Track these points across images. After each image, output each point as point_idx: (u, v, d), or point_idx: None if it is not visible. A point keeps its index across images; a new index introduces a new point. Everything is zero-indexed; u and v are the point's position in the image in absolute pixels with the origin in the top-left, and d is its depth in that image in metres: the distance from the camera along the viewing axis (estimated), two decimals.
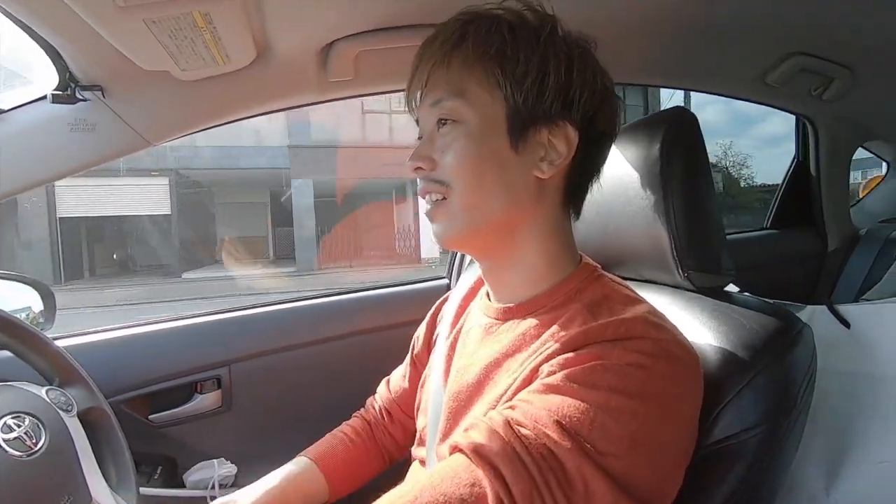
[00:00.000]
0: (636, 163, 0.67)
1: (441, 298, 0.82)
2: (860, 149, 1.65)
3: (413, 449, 0.71)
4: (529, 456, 0.43)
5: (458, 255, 1.33)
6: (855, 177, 1.97)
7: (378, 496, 0.48)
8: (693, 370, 0.49)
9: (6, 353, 0.76)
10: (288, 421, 1.17)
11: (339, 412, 0.89)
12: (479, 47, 0.54)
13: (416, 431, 0.71)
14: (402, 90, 0.64)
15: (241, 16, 0.66)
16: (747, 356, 0.53)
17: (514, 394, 0.50)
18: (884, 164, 1.85)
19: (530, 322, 0.56)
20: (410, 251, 12.43)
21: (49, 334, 0.96)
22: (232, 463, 1.08)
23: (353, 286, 1.36)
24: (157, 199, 10.43)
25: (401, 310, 1.27)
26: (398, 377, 0.85)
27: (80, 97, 0.79)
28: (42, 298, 1.03)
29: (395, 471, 0.75)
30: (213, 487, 1.03)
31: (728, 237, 0.67)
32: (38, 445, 0.64)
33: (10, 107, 0.80)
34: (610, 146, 0.61)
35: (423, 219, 0.61)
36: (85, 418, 0.74)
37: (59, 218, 9.77)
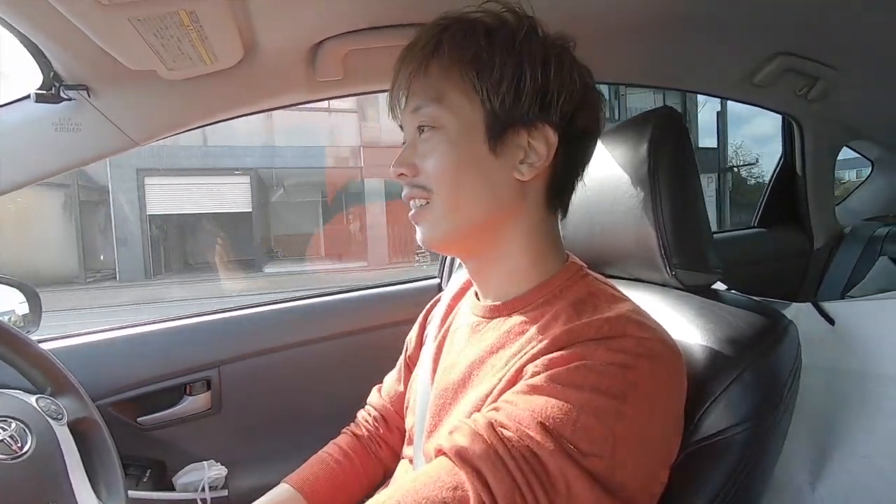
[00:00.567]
0: (624, 162, 0.68)
1: (432, 300, 0.82)
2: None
3: (403, 448, 0.71)
4: (512, 458, 0.43)
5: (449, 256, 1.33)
6: (850, 176, 1.99)
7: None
8: (677, 368, 0.50)
9: None
10: (278, 422, 1.16)
11: (329, 413, 0.89)
12: (455, 54, 0.55)
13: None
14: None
15: (227, 14, 0.66)
16: (734, 353, 0.54)
17: (500, 394, 0.50)
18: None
19: (516, 320, 0.57)
20: None
21: (35, 336, 0.95)
22: (222, 465, 1.07)
23: (351, 286, 1.35)
24: (238, 197, 10.85)
25: (392, 310, 1.26)
26: (391, 381, 0.84)
27: (65, 96, 0.79)
28: (27, 300, 1.02)
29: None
30: (202, 490, 1.02)
31: (715, 236, 0.68)
32: (24, 450, 0.63)
33: None
34: (593, 144, 0.61)
35: None
36: (75, 428, 0.73)
37: (149, 216, 10.27)
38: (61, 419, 0.71)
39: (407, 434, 0.70)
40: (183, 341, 1.12)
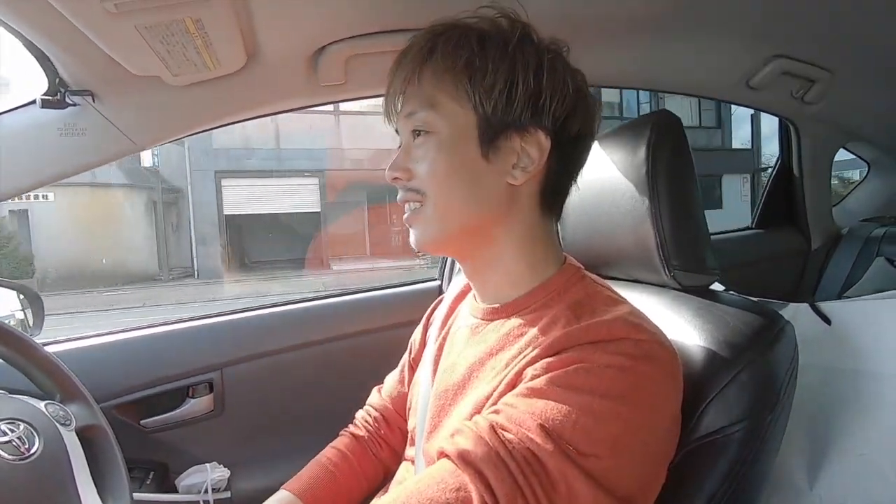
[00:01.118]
0: (622, 165, 0.69)
1: (435, 301, 0.83)
2: None
3: (405, 449, 0.72)
4: (513, 460, 0.44)
5: (450, 258, 1.33)
6: (858, 177, 2.00)
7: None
8: (673, 369, 0.51)
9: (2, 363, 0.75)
10: (281, 424, 1.17)
11: (332, 414, 0.89)
12: (448, 60, 0.56)
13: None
14: None
15: (231, 21, 0.66)
16: (731, 353, 0.55)
17: (500, 397, 0.51)
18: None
19: (514, 322, 0.58)
20: None
21: (39, 340, 0.96)
22: (225, 467, 1.08)
23: (353, 288, 1.35)
24: (308, 198, 11.40)
25: (392, 312, 1.27)
26: (392, 382, 0.84)
27: (70, 102, 0.79)
28: (30, 304, 1.02)
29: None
30: (206, 492, 1.03)
31: (713, 237, 0.69)
32: (31, 452, 0.64)
33: None
34: (587, 148, 0.62)
35: None
36: (82, 434, 0.73)
37: (226, 215, 10.80)
38: (69, 425, 0.71)
39: (409, 435, 0.71)
40: (185, 344, 1.13)
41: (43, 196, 9.61)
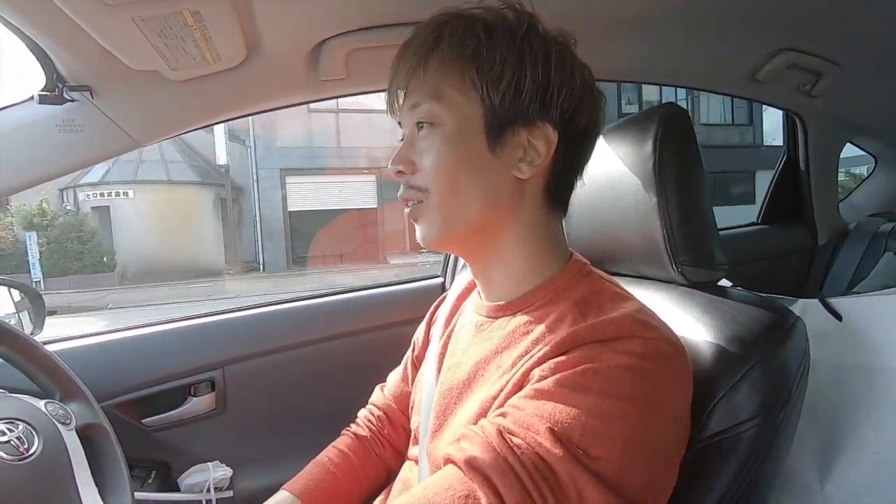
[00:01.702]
0: (629, 159, 0.67)
1: (439, 299, 0.82)
2: None
3: (409, 449, 0.71)
4: (522, 466, 0.43)
5: (453, 254, 1.33)
6: (863, 173, 1.98)
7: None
8: (683, 367, 0.50)
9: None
10: (283, 422, 1.16)
11: (334, 412, 0.89)
12: (455, 50, 0.54)
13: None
14: None
15: (231, 14, 0.66)
16: (741, 350, 0.54)
17: (507, 398, 0.50)
18: None
19: (520, 320, 0.56)
20: None
21: (40, 338, 0.95)
22: (227, 466, 1.07)
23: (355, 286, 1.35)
24: (366, 195, 12.03)
25: (395, 309, 1.26)
26: (395, 380, 0.83)
27: (69, 98, 0.78)
28: (31, 302, 1.02)
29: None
30: (208, 491, 1.02)
31: (720, 232, 0.68)
32: (30, 452, 0.63)
33: None
34: (593, 142, 0.60)
35: None
36: (83, 433, 0.72)
37: (290, 212, 11.50)
38: (69, 424, 0.71)
39: (412, 434, 0.70)
40: (187, 342, 1.12)
41: (124, 193, 10.35)
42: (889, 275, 1.39)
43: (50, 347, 0.79)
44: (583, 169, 0.61)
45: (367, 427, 0.81)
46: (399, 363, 0.85)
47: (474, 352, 0.59)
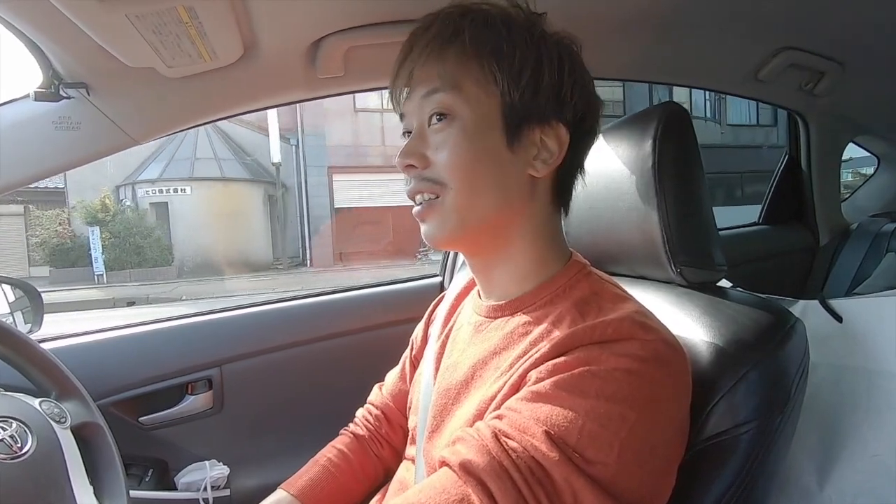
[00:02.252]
0: (628, 158, 0.67)
1: (437, 298, 0.81)
2: None
3: (406, 449, 0.71)
4: (517, 470, 0.43)
5: (452, 253, 1.32)
6: (869, 173, 1.97)
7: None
8: (682, 369, 0.49)
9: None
10: (280, 421, 1.16)
11: (331, 411, 0.88)
12: (475, 42, 0.53)
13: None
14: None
15: (226, 11, 0.65)
16: (740, 351, 0.53)
17: (503, 400, 0.49)
18: None
19: (519, 320, 0.56)
20: None
21: (37, 336, 0.95)
22: (224, 464, 1.07)
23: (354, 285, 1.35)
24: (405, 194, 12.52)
25: (393, 308, 1.26)
26: (393, 379, 0.83)
27: (64, 95, 0.78)
28: (30, 300, 1.01)
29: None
30: (205, 489, 1.02)
31: (720, 233, 0.67)
32: (24, 450, 0.63)
33: None
34: (592, 144, 0.61)
35: None
36: (78, 432, 0.72)
37: (336, 209, 11.92)
38: (64, 423, 0.70)
39: (410, 434, 0.69)
40: (184, 340, 1.12)
41: (182, 190, 10.67)
42: (891, 276, 1.38)
43: (46, 345, 0.79)
44: (584, 169, 0.60)
45: (365, 426, 0.81)
46: (397, 362, 0.84)
47: (472, 352, 0.59)
